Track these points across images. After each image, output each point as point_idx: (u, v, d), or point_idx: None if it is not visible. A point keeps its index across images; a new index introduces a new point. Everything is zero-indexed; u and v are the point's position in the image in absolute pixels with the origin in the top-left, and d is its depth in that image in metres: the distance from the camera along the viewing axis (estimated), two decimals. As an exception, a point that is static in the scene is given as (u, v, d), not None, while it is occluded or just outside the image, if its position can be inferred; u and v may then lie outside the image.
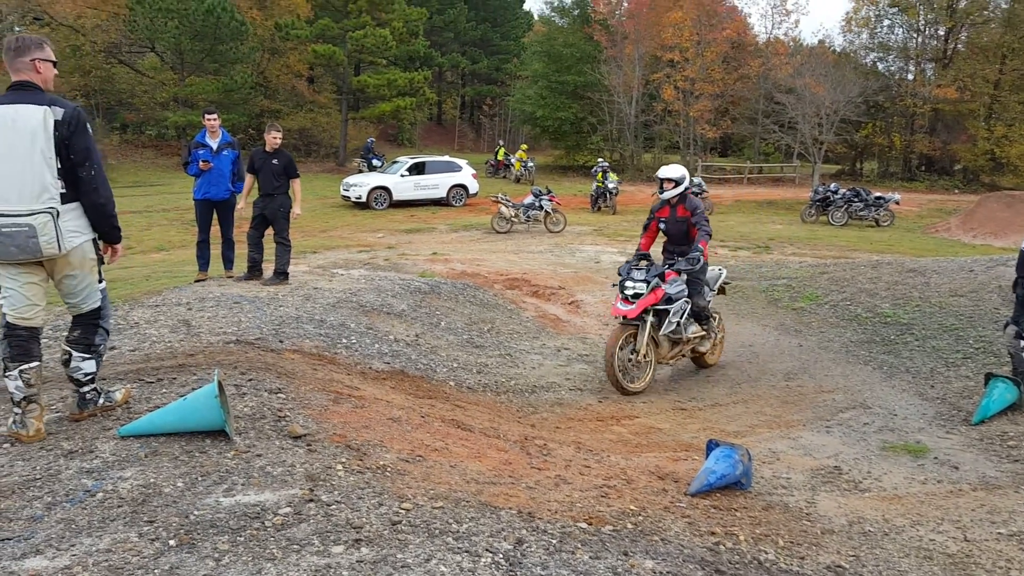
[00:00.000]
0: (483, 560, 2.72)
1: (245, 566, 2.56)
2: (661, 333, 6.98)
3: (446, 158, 26.11)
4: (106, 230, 3.84)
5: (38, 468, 3.25)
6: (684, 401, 6.72)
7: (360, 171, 28.53)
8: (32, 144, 3.46)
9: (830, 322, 8.67)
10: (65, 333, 4.05)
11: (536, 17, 54.85)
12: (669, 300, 7.00)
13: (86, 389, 3.92)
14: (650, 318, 6.93)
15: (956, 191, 35.12)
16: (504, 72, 53.08)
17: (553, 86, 40.25)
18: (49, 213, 3.50)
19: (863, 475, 4.79)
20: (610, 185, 23.13)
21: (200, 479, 3.17)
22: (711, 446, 4.36)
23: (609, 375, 6.76)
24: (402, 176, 23.73)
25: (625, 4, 41.36)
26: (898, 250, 16.10)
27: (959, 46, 39.56)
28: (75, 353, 3.85)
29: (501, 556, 2.78)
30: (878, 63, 42.31)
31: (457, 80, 57.60)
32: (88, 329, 3.88)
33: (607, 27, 40.30)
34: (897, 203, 21.97)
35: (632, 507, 3.63)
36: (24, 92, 3.54)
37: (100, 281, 3.90)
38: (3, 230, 3.45)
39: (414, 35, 37.54)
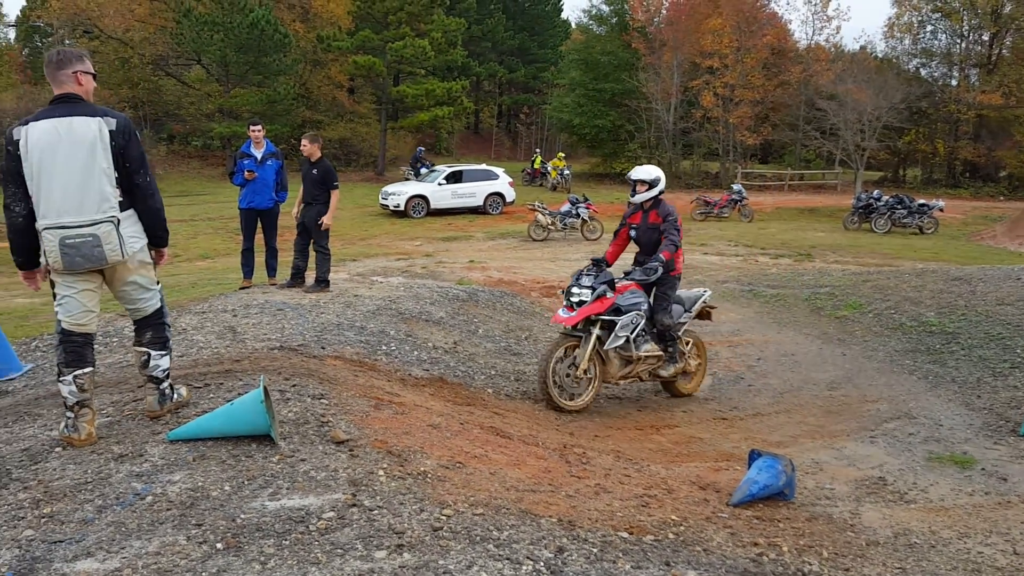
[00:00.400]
0: (524, 568, 2.74)
1: (291, 570, 2.61)
2: (607, 347, 6.33)
3: (483, 167, 26.25)
4: (159, 234, 3.93)
5: (89, 471, 3.33)
6: (725, 411, 6.66)
7: (407, 179, 28.67)
8: (91, 155, 3.53)
9: (874, 331, 8.53)
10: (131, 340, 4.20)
11: (574, 25, 54.90)
12: (618, 312, 6.39)
13: (164, 385, 4.04)
14: (596, 331, 6.31)
15: (1002, 198, 34.28)
16: (541, 80, 53.17)
17: (590, 94, 40.20)
18: (111, 222, 3.58)
19: (908, 486, 4.71)
20: (648, 193, 23.02)
21: (246, 483, 3.23)
22: (753, 456, 4.32)
23: (541, 388, 6.23)
24: (439, 185, 23.91)
25: (664, 11, 41.18)
26: (943, 258, 15.78)
27: (1004, 51, 38.66)
28: (153, 352, 3.97)
29: (542, 564, 2.79)
30: (921, 69, 41.55)
31: (494, 89, 57.87)
32: (158, 328, 4.00)
33: (645, 34, 40.16)
34: (941, 210, 21.55)
35: (673, 517, 3.61)
36: (72, 104, 3.61)
37: (156, 282, 4.02)
38: (67, 241, 3.52)
39: (452, 45, 37.82)
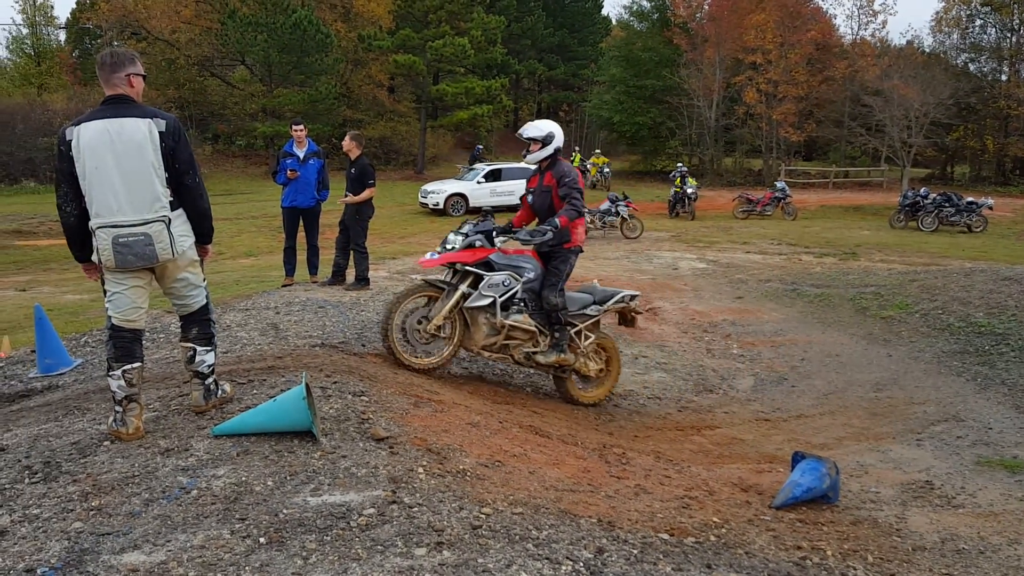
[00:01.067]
0: (564, 568, 2.72)
1: (332, 565, 2.63)
2: (468, 305, 5.65)
3: (522, 165, 26.22)
4: (205, 232, 4.00)
5: (136, 465, 3.40)
6: (767, 412, 6.56)
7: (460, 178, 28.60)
8: (141, 156, 3.61)
9: (921, 332, 8.34)
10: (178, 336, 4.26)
11: (614, 22, 54.59)
12: (490, 267, 5.72)
13: (209, 381, 4.10)
14: (463, 287, 5.67)
15: (1054, 196, 33.28)
16: (581, 78, 52.97)
17: (631, 91, 39.99)
18: (163, 221, 3.67)
19: (956, 491, 4.60)
20: (689, 190, 22.82)
21: (288, 478, 3.27)
22: (797, 458, 4.26)
23: (384, 336, 5.60)
24: (478, 183, 23.97)
25: (706, 7, 40.77)
26: (992, 257, 15.36)
27: (1056, 46, 37.55)
28: (199, 348, 4.04)
29: (582, 564, 2.78)
30: (970, 64, 40.49)
31: (534, 87, 57.77)
32: (203, 325, 4.07)
33: (687, 30, 39.80)
34: (990, 208, 21.02)
35: (715, 519, 3.57)
36: (123, 106, 3.68)
37: (203, 279, 4.09)
38: (120, 240, 3.60)
39: (492, 43, 37.90)
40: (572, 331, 6.07)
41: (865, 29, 44.08)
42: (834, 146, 43.22)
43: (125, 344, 3.79)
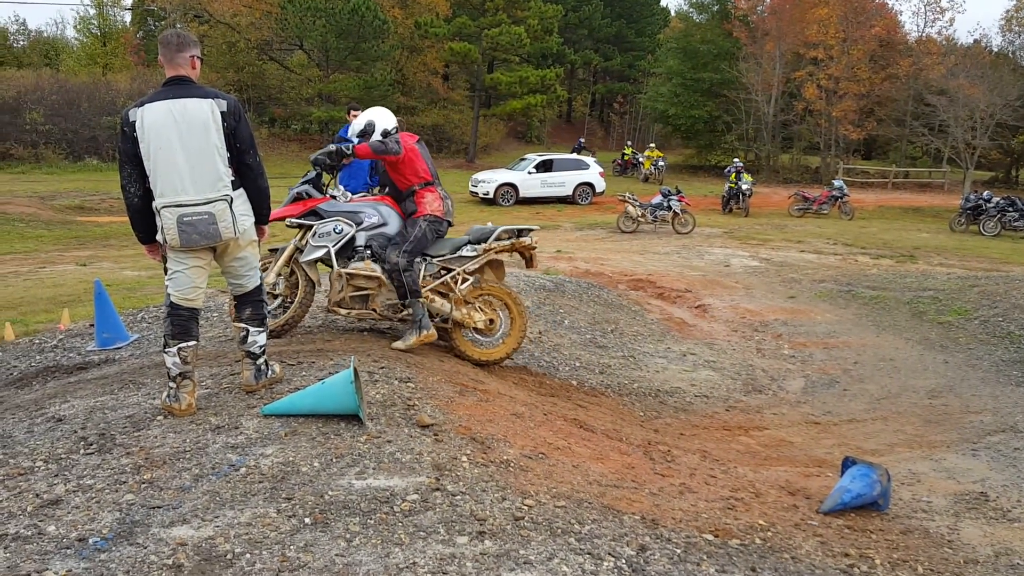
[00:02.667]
0: (606, 564, 2.70)
1: (374, 549, 2.65)
2: (302, 259, 5.37)
3: (573, 156, 26.11)
4: (264, 212, 4.08)
5: (188, 441, 3.47)
6: (818, 415, 6.43)
7: None
8: (205, 136, 3.68)
9: (979, 338, 8.08)
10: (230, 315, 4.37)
11: (673, 13, 53.89)
12: (318, 217, 5.41)
13: (260, 361, 4.18)
14: (295, 240, 5.42)
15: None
16: (637, 69, 52.41)
17: (688, 83, 39.44)
18: (225, 200, 3.75)
19: (1012, 503, 4.44)
20: (743, 186, 22.45)
21: (334, 460, 3.30)
22: (847, 463, 4.16)
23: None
24: (529, 173, 23.93)
25: (767, 0, 39.98)
26: (1060, 265, 14.81)
27: None
28: (251, 328, 4.12)
29: (624, 561, 2.75)
30: (1039, 65, 38.97)
31: (588, 77, 57.36)
32: (257, 305, 4.15)
33: (747, 23, 39.08)
34: (1056, 214, 20.24)
35: (761, 522, 3.51)
36: (185, 86, 3.74)
37: (259, 260, 4.18)
38: (184, 219, 3.68)
39: (548, 32, 37.70)
40: (448, 276, 5.57)
41: (931, 26, 42.89)
42: (895, 145, 42.02)
43: (182, 322, 3.86)
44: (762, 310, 9.83)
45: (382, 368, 4.62)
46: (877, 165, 41.18)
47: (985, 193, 21.65)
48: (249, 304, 4.12)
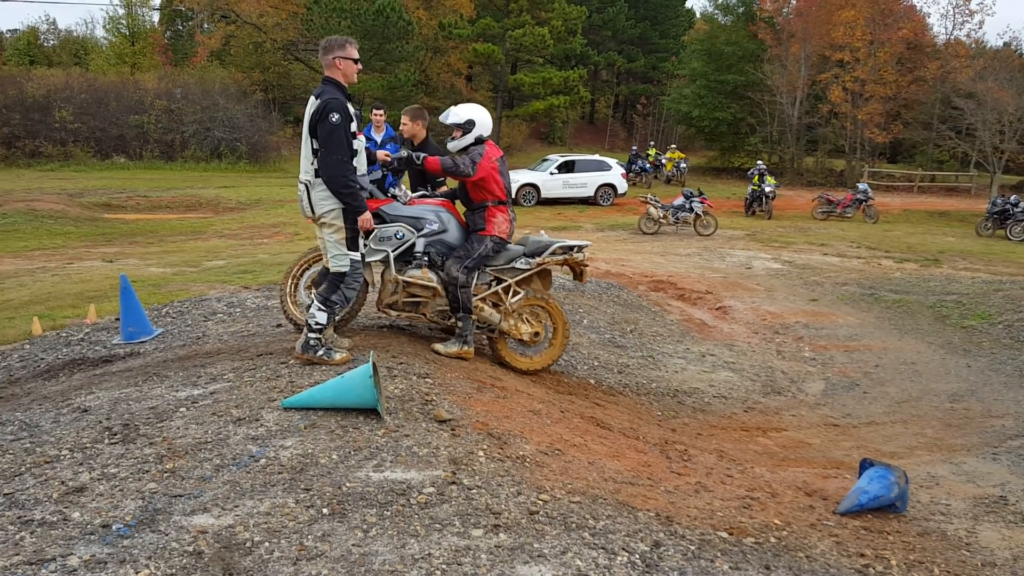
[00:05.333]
0: (619, 559, 2.72)
1: (391, 540, 2.69)
2: (370, 259, 5.26)
3: (596, 157, 26.07)
4: (344, 203, 4.53)
5: (209, 432, 3.53)
6: (837, 417, 6.39)
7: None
8: (306, 129, 4.46)
9: (1003, 343, 7.99)
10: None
11: (698, 15, 53.64)
12: (382, 220, 5.34)
13: (311, 336, 4.51)
14: (367, 241, 5.22)
15: None
16: (661, 71, 52.19)
17: (712, 85, 39.23)
18: (306, 184, 4.50)
19: (1034, 509, 4.40)
20: (767, 189, 22.29)
21: (352, 453, 3.34)
22: (864, 465, 4.14)
23: (281, 302, 5.51)
24: (551, 174, 23.91)
25: (793, 1, 39.65)
26: (1088, 270, 14.57)
27: None
28: (316, 302, 4.55)
29: (637, 557, 2.77)
30: (1070, 69, 38.28)
31: (612, 78, 57.22)
32: (330, 286, 4.60)
33: (773, 25, 38.80)
34: (1084, 220, 19.89)
35: (776, 521, 3.50)
36: (323, 85, 4.50)
37: (353, 250, 4.64)
38: (297, 193, 4.61)
39: (572, 33, 37.67)
40: (499, 287, 5.58)
41: (960, 29, 42.44)
42: (921, 149, 41.55)
43: (320, 277, 4.82)
44: (783, 312, 9.78)
45: (401, 364, 4.66)
46: (903, 168, 40.71)
47: (1012, 197, 21.32)
48: (325, 280, 4.65)
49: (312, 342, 4.49)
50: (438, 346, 5.36)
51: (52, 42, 51.66)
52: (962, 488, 4.65)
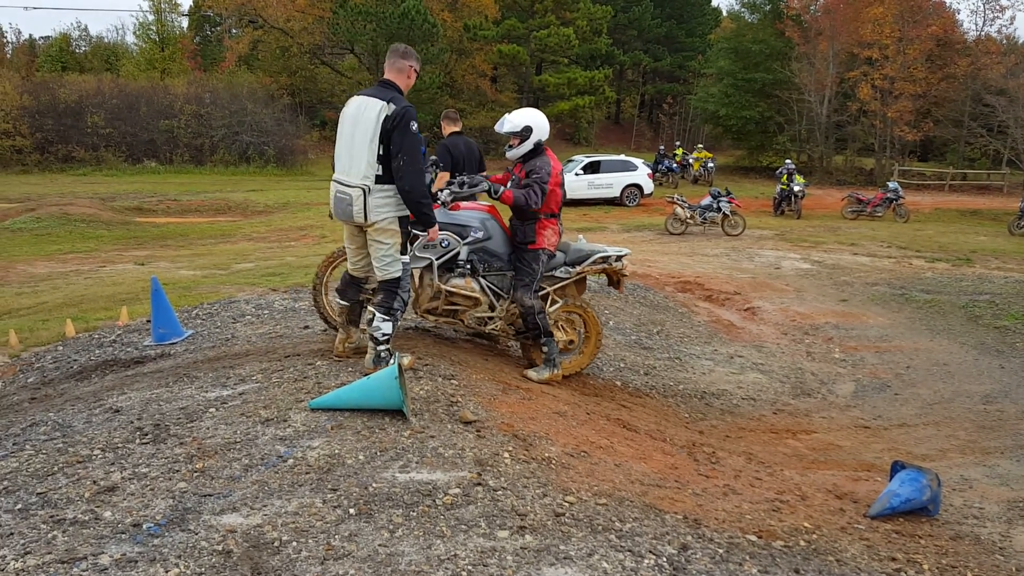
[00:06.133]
0: (646, 561, 2.70)
1: (416, 540, 2.69)
2: (413, 266, 5.12)
3: (622, 157, 25.96)
4: (415, 214, 4.43)
5: (239, 432, 3.56)
6: (868, 419, 6.31)
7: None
8: (368, 131, 4.22)
9: (1040, 344, 7.84)
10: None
11: (724, 13, 53.25)
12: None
13: (381, 348, 4.46)
14: (411, 248, 5.06)
15: None
16: (687, 70, 51.91)
17: (739, 84, 38.92)
18: (363, 189, 4.27)
19: (1071, 514, 4.31)
20: (795, 188, 22.06)
21: (379, 454, 3.36)
22: (896, 468, 4.08)
23: (314, 300, 5.48)
24: (576, 175, 23.85)
25: (820, -1, 39.27)
26: None
27: None
28: (377, 314, 4.45)
29: (665, 559, 2.74)
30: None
31: (638, 78, 56.98)
32: (388, 295, 4.47)
33: (800, 22, 38.42)
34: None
35: (806, 524, 3.46)
36: (384, 88, 4.35)
37: (404, 254, 4.50)
38: (337, 195, 4.38)
39: (597, 33, 37.63)
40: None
41: (991, 25, 41.73)
42: (952, 147, 40.87)
43: (343, 284, 4.84)
44: (813, 313, 9.67)
45: (426, 365, 4.67)
46: (934, 167, 40.09)
47: (1047, 195, 20.93)
48: (382, 291, 4.52)
49: (383, 354, 4.42)
50: (530, 373, 5.38)
51: (84, 48, 52.62)
52: (996, 491, 4.57)
